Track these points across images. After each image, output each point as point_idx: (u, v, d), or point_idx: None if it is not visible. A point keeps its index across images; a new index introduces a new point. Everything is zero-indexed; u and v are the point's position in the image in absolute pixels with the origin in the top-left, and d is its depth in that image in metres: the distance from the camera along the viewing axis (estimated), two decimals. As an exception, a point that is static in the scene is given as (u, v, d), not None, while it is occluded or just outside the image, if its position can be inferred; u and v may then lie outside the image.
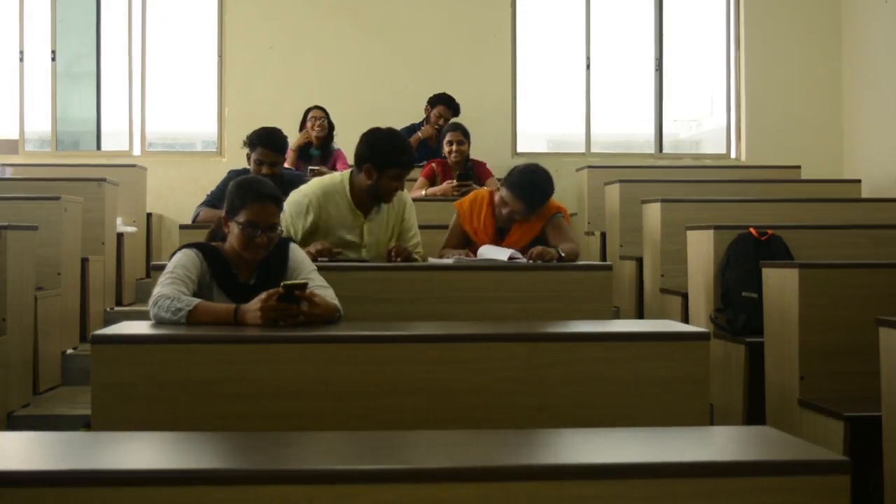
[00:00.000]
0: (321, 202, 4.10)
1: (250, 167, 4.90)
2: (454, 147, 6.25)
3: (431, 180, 6.20)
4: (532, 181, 4.30)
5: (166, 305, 3.07)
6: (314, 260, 3.72)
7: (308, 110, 7.07)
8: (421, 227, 4.57)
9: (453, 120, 6.95)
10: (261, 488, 1.85)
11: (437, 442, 2.18)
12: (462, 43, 8.30)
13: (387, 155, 4.00)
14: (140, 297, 6.61)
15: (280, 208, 3.41)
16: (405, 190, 4.26)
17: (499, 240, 4.36)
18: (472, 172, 6.20)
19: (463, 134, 6.30)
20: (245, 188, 3.35)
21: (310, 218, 4.08)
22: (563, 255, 4.04)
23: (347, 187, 4.13)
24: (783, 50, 8.47)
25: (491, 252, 4.09)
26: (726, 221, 4.99)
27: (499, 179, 6.27)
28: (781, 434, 2.22)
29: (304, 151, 6.85)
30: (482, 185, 6.03)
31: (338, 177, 4.21)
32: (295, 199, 4.12)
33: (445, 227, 4.58)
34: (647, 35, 8.64)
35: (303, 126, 7.00)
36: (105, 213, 5.96)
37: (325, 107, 7.16)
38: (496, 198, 4.39)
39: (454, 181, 5.95)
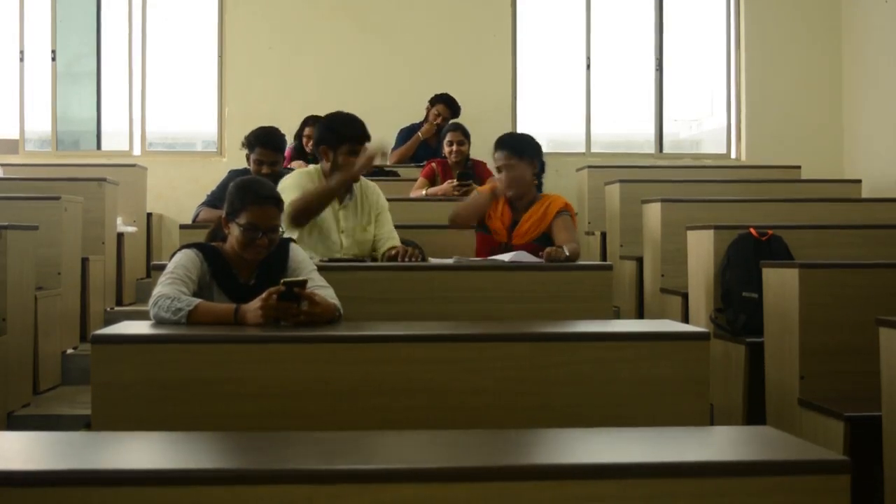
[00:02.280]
0: (303, 185, 4.20)
1: (250, 167, 4.90)
2: (454, 147, 6.26)
3: (431, 180, 6.20)
4: (505, 133, 4.51)
5: (166, 305, 3.07)
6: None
7: (304, 124, 7.03)
8: (421, 227, 4.57)
9: (453, 120, 6.95)
10: (261, 488, 1.85)
11: (438, 442, 2.18)
12: (462, 43, 8.30)
13: (338, 132, 4.18)
14: (140, 297, 6.61)
15: (281, 209, 3.40)
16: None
17: (511, 228, 4.37)
18: (472, 172, 6.20)
19: (463, 134, 6.30)
20: (245, 190, 3.35)
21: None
22: (568, 254, 4.04)
23: (320, 176, 4.26)
24: (783, 50, 8.47)
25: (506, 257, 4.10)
26: (726, 221, 4.98)
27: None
28: (781, 434, 2.22)
29: (299, 158, 6.84)
30: (482, 184, 6.03)
31: (311, 167, 4.36)
32: (291, 183, 4.20)
33: (446, 227, 4.56)
34: (647, 35, 8.64)
35: (299, 136, 6.98)
36: (105, 212, 5.96)
37: (323, 108, 7.12)
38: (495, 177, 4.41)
39: (454, 181, 5.94)
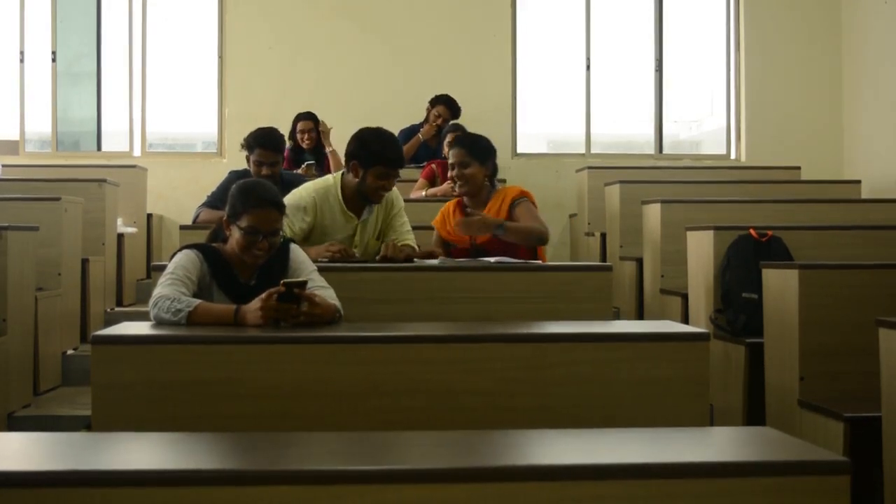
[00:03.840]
0: (318, 203, 4.11)
1: (250, 169, 4.91)
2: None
3: (431, 181, 6.20)
4: (463, 133, 4.61)
5: (166, 306, 3.07)
6: (330, 261, 3.80)
7: (296, 120, 7.08)
8: (421, 228, 4.57)
9: (453, 121, 6.95)
10: (261, 488, 1.85)
11: (437, 442, 2.18)
12: (462, 43, 8.30)
13: (372, 152, 4.00)
14: (140, 298, 6.61)
15: (282, 213, 3.40)
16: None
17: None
18: None
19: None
20: (247, 193, 3.34)
21: (308, 219, 4.08)
22: (504, 227, 4.05)
23: (339, 190, 4.13)
24: (783, 50, 8.47)
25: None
26: (726, 222, 4.99)
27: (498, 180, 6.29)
28: (781, 434, 2.22)
29: (297, 158, 6.86)
30: None
31: (330, 179, 4.19)
32: (293, 202, 4.02)
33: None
34: (647, 35, 8.64)
35: (293, 134, 7.01)
36: (105, 213, 5.96)
37: (323, 108, 7.19)
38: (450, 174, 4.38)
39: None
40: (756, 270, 4.44)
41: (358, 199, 4.11)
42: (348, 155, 4.08)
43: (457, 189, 4.36)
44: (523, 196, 4.32)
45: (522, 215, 4.24)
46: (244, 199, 3.32)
